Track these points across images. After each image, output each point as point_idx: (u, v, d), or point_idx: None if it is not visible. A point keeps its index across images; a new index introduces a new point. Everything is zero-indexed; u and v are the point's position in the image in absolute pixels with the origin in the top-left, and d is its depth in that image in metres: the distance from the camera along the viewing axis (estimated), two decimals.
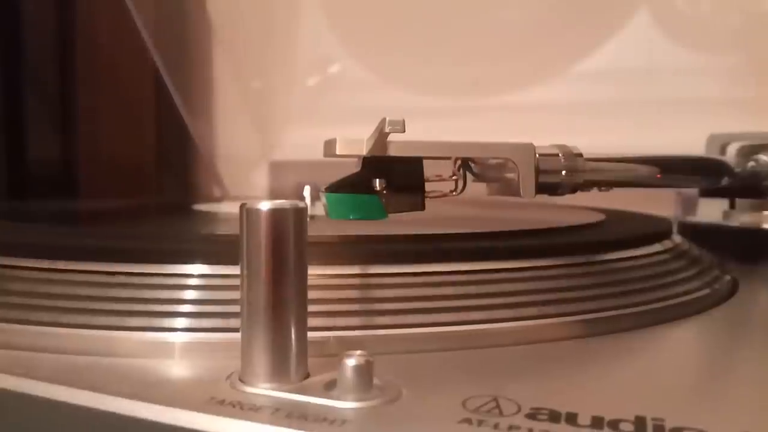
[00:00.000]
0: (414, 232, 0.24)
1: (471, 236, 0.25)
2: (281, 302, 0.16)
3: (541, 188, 0.24)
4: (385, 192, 0.22)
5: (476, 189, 0.25)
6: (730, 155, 0.39)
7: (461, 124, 0.55)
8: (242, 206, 0.17)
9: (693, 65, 0.49)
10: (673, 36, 0.50)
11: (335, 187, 0.22)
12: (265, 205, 0.16)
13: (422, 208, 0.23)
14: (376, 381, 0.16)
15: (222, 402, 0.16)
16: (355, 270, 0.21)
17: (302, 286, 0.17)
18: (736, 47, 0.48)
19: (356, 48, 0.63)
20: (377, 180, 0.22)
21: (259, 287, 0.16)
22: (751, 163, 0.37)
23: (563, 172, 0.24)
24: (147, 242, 0.24)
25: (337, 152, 0.21)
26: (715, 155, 0.39)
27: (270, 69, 0.69)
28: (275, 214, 0.16)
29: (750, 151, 0.37)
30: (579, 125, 0.51)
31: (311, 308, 0.17)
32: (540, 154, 0.23)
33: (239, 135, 0.70)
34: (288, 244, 0.16)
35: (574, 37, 0.54)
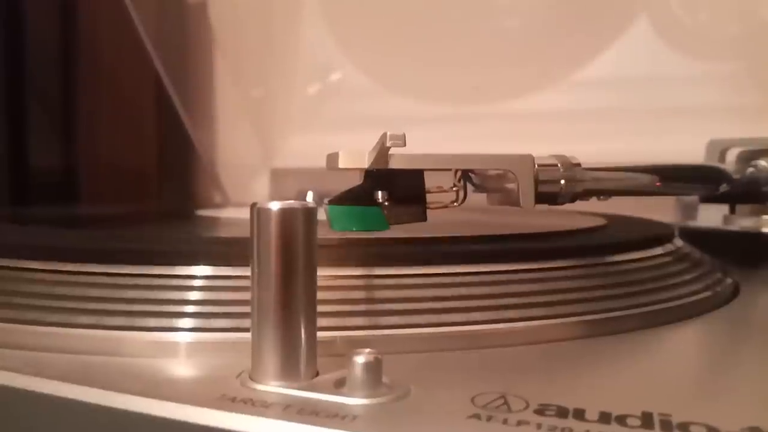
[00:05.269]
0: (421, 235, 0.24)
1: (477, 239, 0.25)
2: (291, 301, 0.17)
3: (541, 198, 0.24)
4: (387, 204, 0.22)
5: (477, 199, 0.25)
6: (730, 161, 0.39)
7: (462, 132, 0.56)
8: (253, 206, 0.17)
9: (692, 72, 0.49)
10: (673, 44, 0.50)
11: (338, 200, 0.22)
12: (275, 205, 0.17)
13: (424, 219, 0.23)
14: (384, 379, 0.16)
15: (233, 399, 0.16)
16: (363, 271, 0.21)
17: (312, 285, 0.17)
18: (735, 54, 0.49)
19: (357, 55, 0.63)
20: (379, 192, 0.22)
21: (269, 286, 0.17)
22: (751, 169, 0.37)
23: (562, 182, 0.24)
24: (154, 244, 0.24)
25: (340, 165, 0.22)
26: (714, 162, 0.40)
27: (271, 76, 0.69)
28: (285, 213, 0.17)
29: (749, 157, 0.37)
30: (579, 133, 0.51)
31: (318, 309, 0.17)
32: (539, 165, 0.24)
33: (240, 142, 0.70)
34: (298, 244, 0.17)
35: (574, 45, 0.55)
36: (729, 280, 0.30)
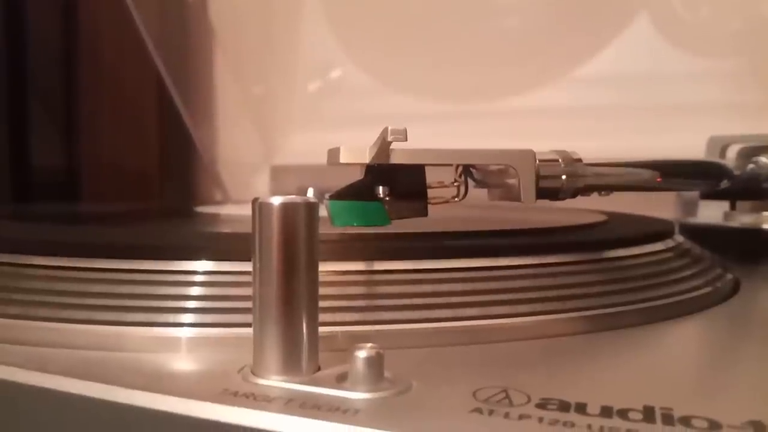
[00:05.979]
0: (422, 230, 0.24)
1: (478, 234, 0.25)
2: (293, 295, 0.17)
3: (542, 193, 0.24)
4: (388, 199, 0.22)
5: (478, 194, 0.25)
6: (730, 158, 0.39)
7: (462, 129, 0.56)
8: (255, 200, 0.17)
9: (693, 69, 0.49)
10: (673, 40, 0.50)
11: (339, 195, 0.22)
12: (276, 200, 0.17)
13: (425, 214, 0.23)
14: (386, 374, 0.16)
15: (235, 394, 0.16)
16: (364, 266, 0.22)
17: (313, 280, 0.17)
18: (736, 51, 0.49)
19: (357, 53, 0.63)
20: (380, 187, 0.22)
21: (270, 281, 0.17)
22: (751, 165, 0.37)
23: (563, 177, 0.24)
24: (155, 240, 0.24)
25: (341, 160, 0.22)
26: (714, 158, 0.40)
27: (271, 74, 0.70)
28: (287, 208, 0.17)
29: (750, 153, 0.37)
30: (580, 130, 0.51)
31: (320, 304, 0.17)
32: (540, 160, 0.24)
33: (241, 140, 0.70)
34: (299, 238, 0.17)
35: (574, 42, 0.55)
36: (729, 276, 0.30)
